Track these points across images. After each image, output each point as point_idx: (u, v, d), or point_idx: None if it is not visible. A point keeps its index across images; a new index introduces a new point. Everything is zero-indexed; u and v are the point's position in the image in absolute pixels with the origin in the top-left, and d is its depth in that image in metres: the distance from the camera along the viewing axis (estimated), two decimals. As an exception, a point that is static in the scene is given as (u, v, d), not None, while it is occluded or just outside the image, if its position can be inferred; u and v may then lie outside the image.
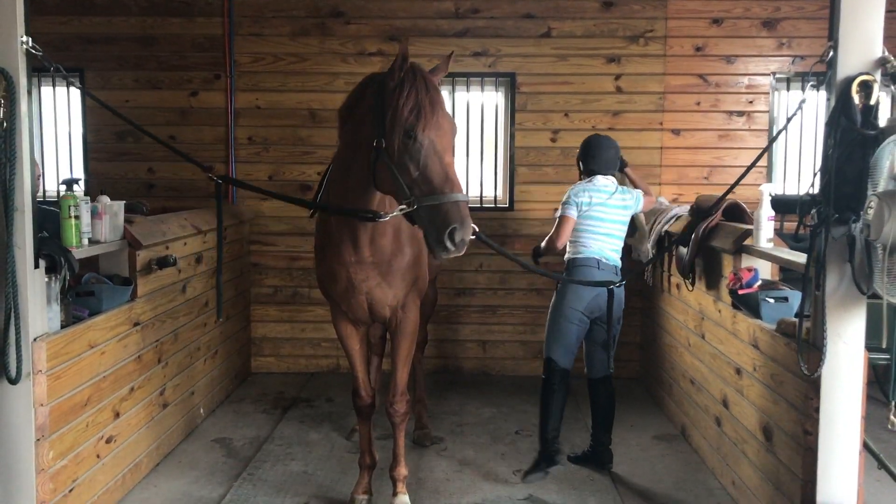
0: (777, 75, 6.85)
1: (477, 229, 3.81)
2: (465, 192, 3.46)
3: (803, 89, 6.64)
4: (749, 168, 3.90)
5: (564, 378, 4.72)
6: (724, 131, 6.90)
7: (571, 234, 4.80)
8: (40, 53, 3.46)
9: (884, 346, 4.16)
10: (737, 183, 3.96)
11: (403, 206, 3.46)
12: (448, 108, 3.81)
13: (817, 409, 3.43)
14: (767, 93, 6.85)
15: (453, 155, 3.53)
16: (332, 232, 4.00)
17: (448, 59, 3.78)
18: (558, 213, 4.87)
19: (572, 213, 4.78)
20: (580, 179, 5.00)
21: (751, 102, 6.87)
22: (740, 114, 6.88)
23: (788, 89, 6.89)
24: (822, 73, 3.51)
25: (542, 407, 4.74)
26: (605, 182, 4.87)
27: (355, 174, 3.73)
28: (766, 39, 6.82)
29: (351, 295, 4.07)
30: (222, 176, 4.15)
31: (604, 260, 4.75)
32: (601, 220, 4.79)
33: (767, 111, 6.87)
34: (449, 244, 3.29)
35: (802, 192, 6.74)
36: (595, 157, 4.91)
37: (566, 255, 4.89)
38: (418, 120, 3.39)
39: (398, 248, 4.00)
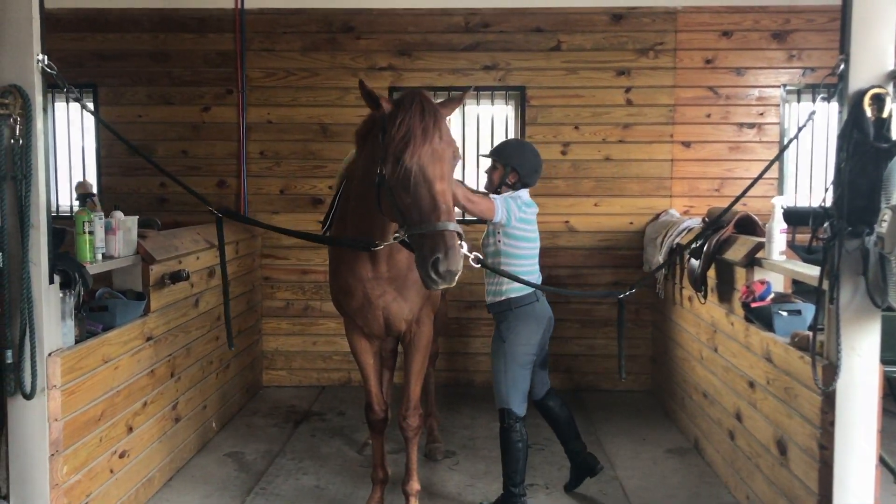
0: (787, 87, 6.84)
1: (480, 256, 3.82)
2: (455, 220, 3.35)
3: (814, 101, 6.70)
4: (757, 178, 3.89)
5: (523, 424, 4.35)
6: (735, 143, 6.89)
7: (505, 259, 4.28)
8: (55, 72, 3.50)
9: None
10: (745, 192, 3.95)
11: (397, 234, 3.48)
12: (457, 125, 3.78)
13: (832, 424, 3.41)
14: (778, 104, 6.85)
15: (448, 182, 3.43)
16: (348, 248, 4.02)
17: (464, 95, 3.76)
18: (494, 198, 4.26)
19: (503, 209, 4.21)
20: (498, 184, 4.37)
21: (761, 114, 6.87)
22: (751, 126, 6.87)
23: (799, 101, 6.88)
24: (833, 84, 3.51)
25: (510, 459, 4.32)
26: (528, 198, 4.44)
27: (365, 198, 3.74)
28: (776, 51, 6.82)
29: (367, 310, 4.08)
30: (223, 209, 4.15)
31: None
32: (534, 243, 4.40)
33: (778, 123, 6.86)
34: (433, 275, 3.24)
35: (815, 205, 6.74)
36: (537, 171, 4.41)
37: (503, 289, 4.30)
38: (406, 147, 3.36)
39: (413, 263, 4.00)
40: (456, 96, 3.76)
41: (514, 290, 4.30)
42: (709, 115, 6.88)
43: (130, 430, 4.38)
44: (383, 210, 3.58)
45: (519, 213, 4.28)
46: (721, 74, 6.85)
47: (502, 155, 4.41)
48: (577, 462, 4.74)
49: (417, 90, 3.55)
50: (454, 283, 3.31)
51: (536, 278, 4.41)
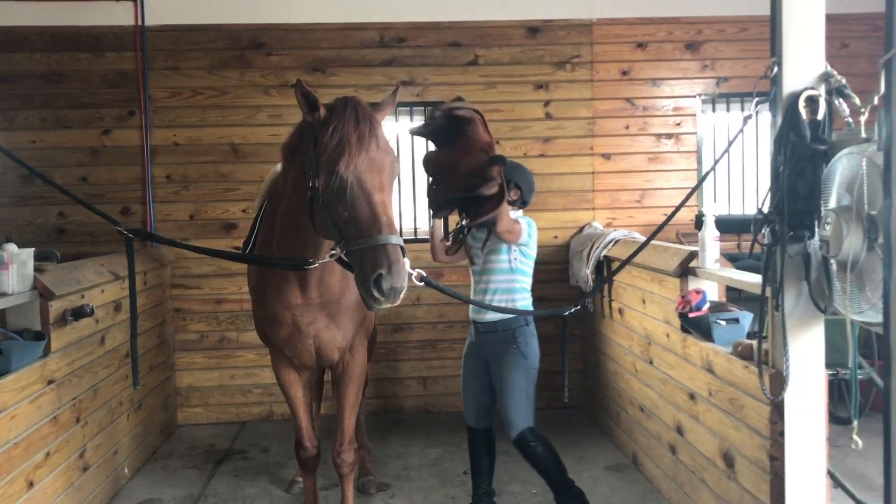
0: (702, 97, 6.91)
1: (424, 274, 3.57)
2: (398, 233, 3.14)
3: (728, 110, 6.83)
4: (691, 193, 3.76)
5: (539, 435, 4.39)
6: (654, 154, 6.91)
7: (518, 276, 4.29)
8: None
9: (849, 364, 4.13)
10: (682, 204, 3.82)
11: (334, 251, 3.23)
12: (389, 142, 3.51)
13: (782, 433, 3.33)
14: (694, 114, 6.91)
15: (388, 193, 3.22)
16: (275, 272, 3.72)
17: (395, 94, 3.55)
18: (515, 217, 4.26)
19: (526, 228, 4.25)
20: (507, 203, 4.14)
21: (678, 124, 6.91)
22: (669, 136, 6.90)
23: (714, 110, 6.95)
24: (748, 93, 3.46)
25: (552, 466, 4.32)
26: None
27: (295, 215, 3.47)
28: (689, 62, 6.88)
29: (296, 339, 3.79)
30: (134, 230, 3.77)
31: None
32: (533, 259, 4.41)
33: (695, 133, 6.92)
34: (376, 293, 3.01)
35: (739, 213, 6.79)
36: (534, 191, 4.45)
37: (518, 306, 4.28)
38: (341, 156, 3.13)
39: (346, 286, 3.75)
40: (388, 98, 3.51)
41: (528, 306, 4.33)
42: (627, 127, 6.88)
43: (31, 485, 3.95)
44: (317, 227, 3.30)
45: (531, 230, 4.30)
46: (638, 86, 6.87)
47: (507, 171, 4.16)
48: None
49: (350, 96, 3.32)
50: (398, 302, 3.07)
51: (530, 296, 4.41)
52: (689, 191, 3.76)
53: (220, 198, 6.64)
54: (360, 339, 3.98)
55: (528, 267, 4.37)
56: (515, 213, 4.31)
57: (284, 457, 5.71)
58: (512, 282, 4.28)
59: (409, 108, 6.79)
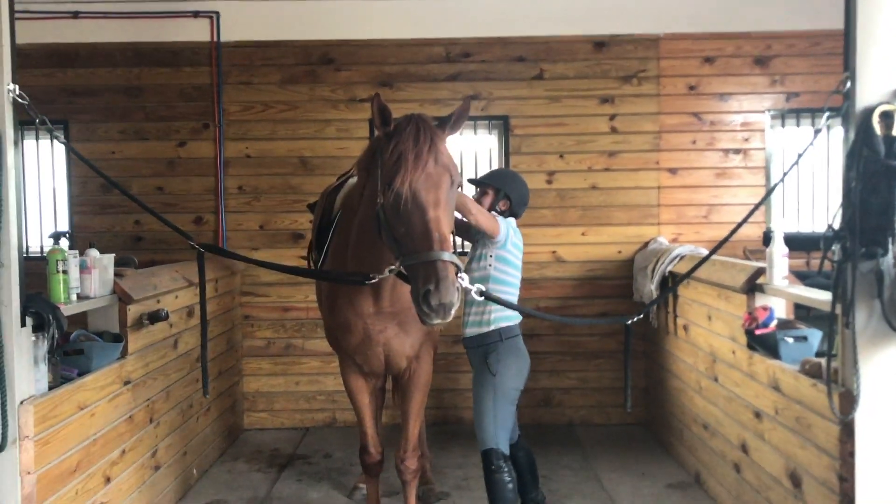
0: (771, 112, 6.81)
1: (483, 288, 3.60)
2: (452, 250, 3.17)
3: (798, 125, 6.71)
4: (756, 206, 3.77)
5: (508, 461, 4.12)
6: (721, 169, 6.83)
7: (493, 285, 4.07)
8: (27, 102, 3.32)
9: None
10: (746, 219, 3.81)
11: (392, 267, 3.31)
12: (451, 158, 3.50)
13: (852, 454, 3.27)
14: (763, 130, 6.81)
15: (444, 209, 3.24)
16: None
17: (466, 110, 3.48)
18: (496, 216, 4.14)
19: (505, 228, 4.10)
20: (487, 210, 4.17)
21: (746, 140, 6.82)
22: (736, 151, 6.82)
23: (783, 126, 6.84)
24: (819, 109, 3.42)
25: (499, 500, 4.03)
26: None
27: (368, 228, 3.56)
28: (758, 77, 6.79)
29: (367, 347, 3.88)
30: (205, 244, 3.96)
31: None
32: (520, 272, 4.25)
33: (763, 148, 6.82)
34: (426, 308, 3.05)
35: (807, 230, 6.63)
36: (526, 203, 4.34)
37: (490, 318, 4.11)
38: (398, 172, 3.20)
39: None
40: (457, 113, 3.48)
41: (503, 319, 4.11)
42: (694, 142, 6.82)
43: (108, 480, 4.12)
44: (384, 240, 3.40)
45: (514, 238, 4.16)
46: (705, 100, 6.80)
47: (496, 180, 4.29)
48: None
49: (415, 113, 3.39)
50: (449, 318, 3.11)
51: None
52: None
53: (289, 209, 6.80)
54: (427, 349, 4.04)
55: (509, 276, 4.16)
56: (505, 220, 4.18)
57: (347, 463, 5.81)
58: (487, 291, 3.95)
59: (473, 122, 6.86)
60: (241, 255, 4.65)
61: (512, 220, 4.28)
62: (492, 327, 4.11)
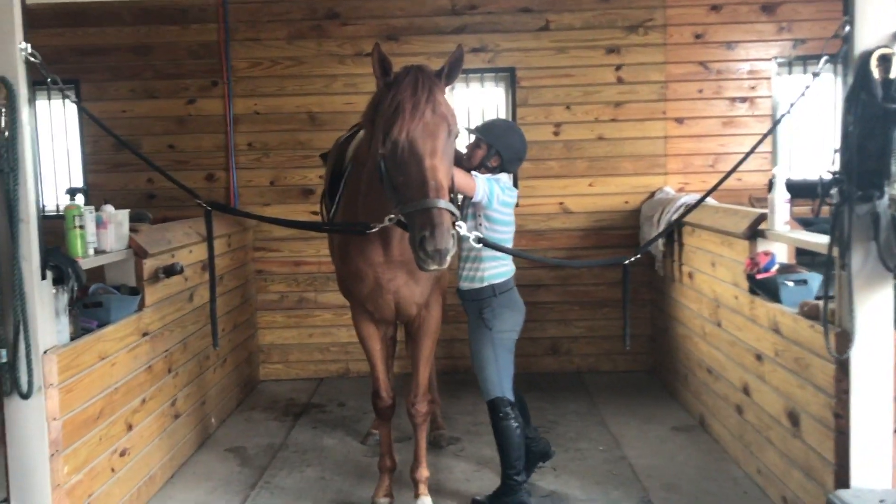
0: (778, 60, 6.79)
1: (480, 235, 3.70)
2: (448, 198, 3.24)
3: (805, 73, 6.68)
4: (748, 154, 3.85)
5: (514, 408, 4.22)
6: (728, 118, 6.83)
7: (489, 250, 4.03)
8: (38, 60, 3.40)
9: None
10: (737, 167, 3.91)
11: (391, 216, 3.39)
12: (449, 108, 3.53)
13: (847, 392, 3.37)
14: (769, 78, 6.79)
15: (441, 158, 3.29)
16: None
17: (460, 59, 3.48)
18: (475, 175, 4.04)
19: (484, 189, 3.99)
20: (478, 164, 4.12)
21: (753, 88, 6.81)
22: (743, 100, 6.82)
23: (790, 73, 6.83)
24: (827, 54, 3.45)
25: (510, 447, 4.15)
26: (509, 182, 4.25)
27: (371, 180, 3.65)
28: (765, 24, 6.76)
29: (378, 295, 4.00)
30: (212, 202, 4.06)
31: None
32: (512, 227, 4.24)
33: (770, 96, 6.81)
34: (422, 254, 3.15)
35: (813, 177, 6.68)
36: (521, 159, 4.26)
37: (484, 275, 4.12)
38: (395, 122, 3.27)
39: None
40: (451, 62, 3.45)
41: (497, 275, 4.13)
42: (701, 91, 6.82)
43: (130, 427, 4.29)
44: (385, 190, 3.48)
45: (502, 196, 4.08)
46: (711, 49, 6.79)
47: (489, 135, 4.15)
48: (531, 448, 4.51)
49: (414, 64, 3.45)
50: (445, 265, 3.20)
51: (511, 265, 4.25)
52: (763, 155, 3.78)
53: (299, 164, 6.88)
54: (436, 297, 4.15)
55: (499, 233, 4.12)
56: (485, 175, 4.10)
57: (360, 412, 5.97)
58: (480, 250, 4.02)
59: (480, 75, 6.88)
60: (244, 210, 4.75)
61: (503, 175, 4.19)
62: (484, 284, 4.14)
